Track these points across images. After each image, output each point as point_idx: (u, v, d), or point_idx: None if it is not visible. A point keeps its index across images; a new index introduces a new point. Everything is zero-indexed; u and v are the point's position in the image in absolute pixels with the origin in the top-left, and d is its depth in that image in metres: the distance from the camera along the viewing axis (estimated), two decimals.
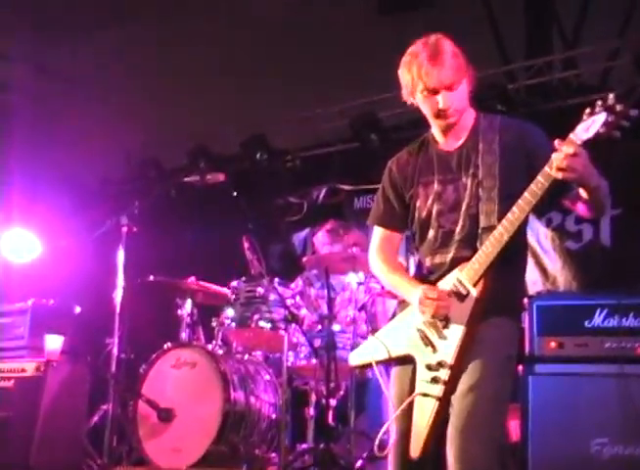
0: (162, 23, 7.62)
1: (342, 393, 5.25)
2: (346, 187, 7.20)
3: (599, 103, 2.59)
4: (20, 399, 5.20)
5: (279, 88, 7.80)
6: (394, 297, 3.27)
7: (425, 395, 2.87)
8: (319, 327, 5.36)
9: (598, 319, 4.31)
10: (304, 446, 5.20)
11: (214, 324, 5.42)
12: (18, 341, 5.56)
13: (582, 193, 2.82)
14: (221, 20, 7.62)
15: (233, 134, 7.79)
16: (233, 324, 5.34)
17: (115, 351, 5.03)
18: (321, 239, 6.03)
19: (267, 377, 5.32)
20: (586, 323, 4.33)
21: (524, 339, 4.35)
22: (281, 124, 7.85)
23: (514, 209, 2.80)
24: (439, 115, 3.02)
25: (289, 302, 5.29)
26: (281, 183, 7.62)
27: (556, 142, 2.67)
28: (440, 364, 2.86)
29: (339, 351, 5.08)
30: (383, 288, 5.08)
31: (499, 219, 2.87)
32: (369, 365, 3.13)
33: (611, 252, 6.01)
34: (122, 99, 8.13)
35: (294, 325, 5.17)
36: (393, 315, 3.20)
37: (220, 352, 5.34)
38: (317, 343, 5.24)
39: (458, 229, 3.00)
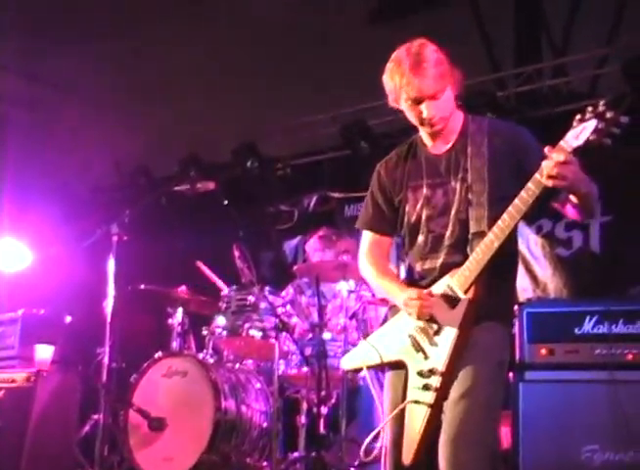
0: (152, 33, 7.62)
1: (333, 401, 5.26)
2: (337, 195, 7.21)
3: (589, 110, 2.59)
4: (10, 410, 5.18)
5: (270, 96, 7.80)
6: (385, 304, 3.27)
7: (416, 402, 2.87)
8: (310, 335, 5.36)
9: (588, 326, 4.32)
10: (296, 454, 5.20)
11: (205, 333, 5.42)
12: (8, 351, 5.54)
13: (572, 198, 2.83)
14: (213, 29, 7.62)
15: (224, 142, 7.79)
16: (224, 333, 5.34)
17: (106, 360, 5.01)
18: (313, 245, 6.04)
19: (258, 386, 5.31)
20: (576, 330, 4.34)
21: (514, 346, 4.36)
22: (272, 132, 7.86)
23: (504, 216, 2.80)
24: (424, 123, 3.02)
25: (279, 310, 5.30)
26: (272, 191, 7.63)
27: (546, 149, 2.67)
28: (432, 371, 2.86)
29: (330, 359, 5.08)
30: (374, 295, 5.09)
31: (489, 225, 2.87)
32: (360, 370, 3.13)
33: (601, 258, 6.02)
34: (113, 107, 8.13)
35: (284, 333, 5.18)
36: (385, 320, 3.20)
37: (211, 360, 5.33)
38: (308, 351, 5.24)
39: (448, 234, 3.00)
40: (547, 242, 6.30)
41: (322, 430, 5.07)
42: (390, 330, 3.08)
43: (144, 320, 6.24)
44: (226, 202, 6.10)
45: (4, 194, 7.87)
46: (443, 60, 2.97)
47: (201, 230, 7.75)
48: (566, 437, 4.19)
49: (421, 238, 3.06)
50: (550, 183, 2.65)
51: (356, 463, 4.79)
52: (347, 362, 3.21)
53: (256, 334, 5.26)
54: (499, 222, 2.81)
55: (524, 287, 6.19)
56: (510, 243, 2.89)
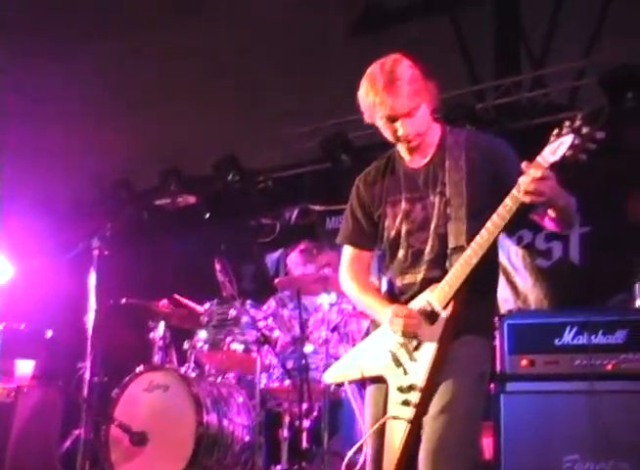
0: (134, 46, 7.62)
1: (315, 414, 5.25)
2: (318, 207, 7.22)
3: (566, 124, 2.60)
4: None
5: (250, 109, 7.81)
6: (366, 317, 3.28)
7: (396, 417, 2.88)
8: (292, 348, 5.36)
9: (568, 337, 4.35)
10: (278, 467, 5.18)
11: (187, 347, 5.41)
12: None
13: (550, 211, 2.85)
14: (193, 43, 7.63)
15: (205, 155, 7.79)
16: (205, 347, 5.33)
17: (88, 374, 4.99)
18: (294, 259, 6.04)
19: (240, 399, 5.30)
20: (556, 341, 4.36)
21: (495, 357, 4.38)
22: (253, 145, 7.86)
23: (483, 231, 2.81)
24: (400, 140, 3.03)
25: (261, 323, 5.30)
26: (253, 204, 7.63)
27: (523, 164, 2.68)
28: (411, 387, 2.86)
29: (312, 372, 5.08)
30: (355, 308, 5.10)
31: (468, 239, 2.87)
32: (342, 384, 3.14)
33: (580, 269, 6.07)
34: (94, 120, 8.11)
35: (266, 347, 5.18)
36: (367, 333, 3.21)
37: (193, 374, 5.33)
38: (290, 364, 5.24)
39: (428, 249, 3.00)
40: (527, 253, 6.33)
41: (304, 443, 5.06)
42: (371, 345, 3.08)
43: (125, 334, 6.22)
44: (208, 215, 6.12)
45: None
46: (418, 76, 2.95)
47: (182, 243, 7.75)
48: (547, 447, 4.21)
49: (401, 253, 3.06)
50: (527, 199, 2.67)
51: None
52: (329, 376, 3.22)
53: (238, 347, 5.27)
54: (477, 238, 2.82)
55: (505, 298, 6.22)
56: (490, 256, 2.89)
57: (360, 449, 3.06)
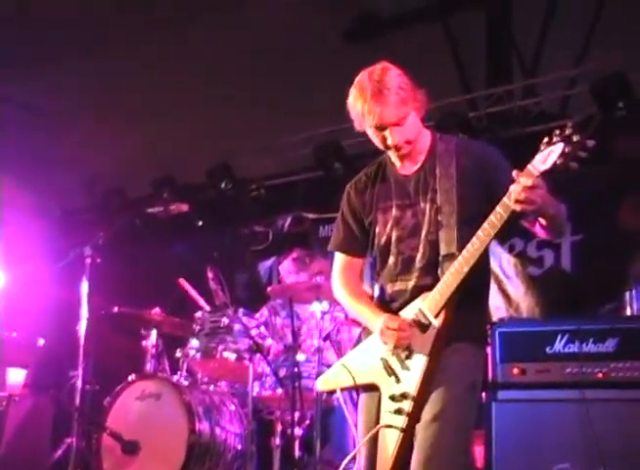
0: (125, 55, 7.63)
1: (307, 422, 5.24)
2: (311, 215, 7.23)
3: (557, 133, 2.61)
4: None
5: (243, 117, 7.81)
6: (359, 325, 3.28)
7: (389, 426, 2.88)
8: (284, 356, 5.36)
9: (559, 345, 4.36)
10: None
11: (179, 355, 5.40)
12: None
13: (541, 220, 2.86)
14: (186, 51, 7.64)
15: (198, 163, 7.79)
16: (198, 355, 5.32)
17: (80, 383, 4.97)
18: (287, 267, 6.04)
19: (233, 407, 5.29)
20: (547, 349, 4.38)
21: (487, 365, 4.39)
22: (246, 153, 7.87)
23: (474, 240, 2.81)
24: (390, 148, 3.04)
25: (253, 332, 5.29)
26: (246, 212, 7.63)
27: (514, 173, 2.68)
28: (404, 396, 2.86)
29: (304, 380, 5.07)
30: (347, 316, 5.10)
31: (459, 247, 2.88)
32: (335, 391, 3.14)
33: (571, 277, 6.08)
34: (86, 127, 8.11)
35: (258, 355, 5.17)
36: (358, 341, 3.21)
37: (185, 383, 5.31)
38: (282, 372, 5.24)
39: (419, 256, 3.00)
40: (519, 261, 6.35)
41: (297, 451, 5.06)
42: (363, 352, 3.09)
43: (118, 342, 6.21)
44: (200, 223, 6.11)
45: None
46: (406, 84, 2.95)
47: (175, 251, 7.74)
48: (538, 455, 4.22)
49: (391, 259, 3.07)
50: (518, 208, 2.67)
51: None
52: (321, 384, 3.22)
53: (230, 356, 5.25)
54: (469, 246, 2.82)
55: (497, 306, 6.22)
56: (482, 264, 2.89)
57: (354, 458, 3.06)
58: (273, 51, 7.61)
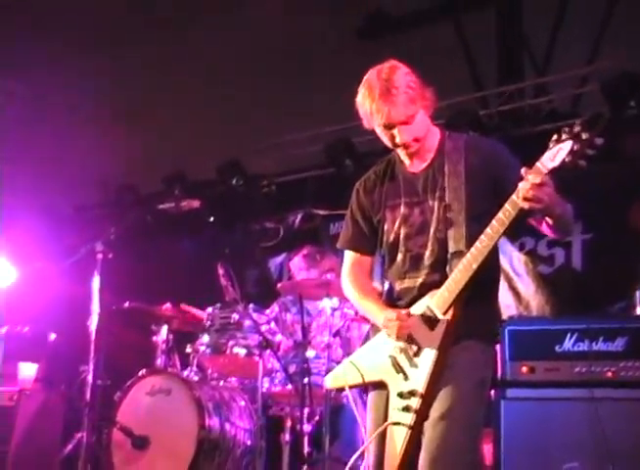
0: (137, 50, 7.65)
1: (317, 418, 5.25)
2: (322, 212, 7.22)
3: (565, 130, 2.61)
4: None
5: (255, 114, 7.84)
6: (368, 321, 3.29)
7: (397, 423, 2.88)
8: (294, 353, 5.37)
9: (568, 344, 4.35)
10: None
11: (189, 351, 5.42)
12: None
13: (547, 219, 2.86)
14: (197, 47, 7.66)
15: (209, 160, 7.82)
16: (208, 351, 5.33)
17: (90, 378, 5.00)
18: (297, 264, 6.05)
19: (242, 403, 5.30)
20: (557, 348, 4.37)
21: (496, 363, 4.39)
22: (257, 150, 7.89)
23: (482, 237, 2.81)
24: (398, 146, 3.05)
25: (263, 328, 5.30)
26: (257, 208, 7.65)
27: (523, 170, 2.69)
28: (412, 393, 2.87)
29: (313, 376, 5.08)
30: (357, 313, 5.11)
31: (467, 244, 2.88)
32: (344, 389, 3.14)
33: (581, 276, 6.07)
34: (98, 124, 8.14)
35: (268, 351, 5.18)
36: (366, 338, 3.21)
37: (195, 378, 5.33)
38: (292, 368, 5.25)
39: (427, 254, 3.01)
40: (530, 259, 6.33)
41: (306, 448, 5.07)
42: (372, 349, 3.09)
43: (129, 338, 6.23)
44: (212, 219, 6.12)
45: None
46: (414, 83, 2.96)
47: (186, 248, 7.77)
48: (546, 454, 4.22)
49: (399, 257, 3.08)
50: (526, 205, 2.68)
51: None
52: (330, 381, 3.23)
53: (240, 352, 5.26)
54: (477, 243, 2.82)
55: (507, 304, 6.22)
56: (491, 261, 2.89)
57: (362, 455, 3.07)
58: (285, 48, 7.64)
